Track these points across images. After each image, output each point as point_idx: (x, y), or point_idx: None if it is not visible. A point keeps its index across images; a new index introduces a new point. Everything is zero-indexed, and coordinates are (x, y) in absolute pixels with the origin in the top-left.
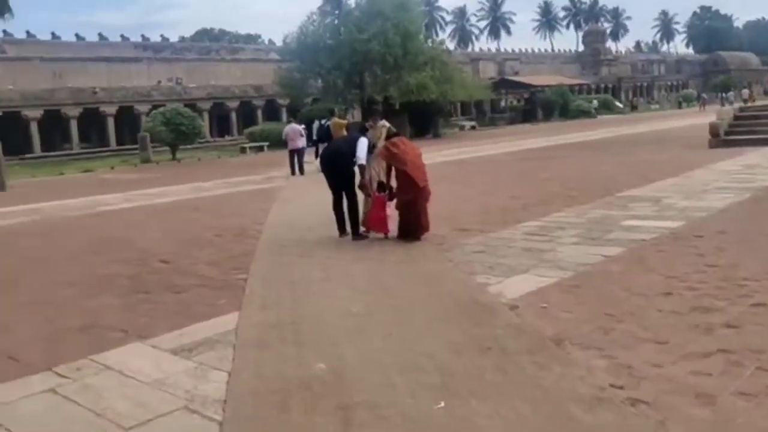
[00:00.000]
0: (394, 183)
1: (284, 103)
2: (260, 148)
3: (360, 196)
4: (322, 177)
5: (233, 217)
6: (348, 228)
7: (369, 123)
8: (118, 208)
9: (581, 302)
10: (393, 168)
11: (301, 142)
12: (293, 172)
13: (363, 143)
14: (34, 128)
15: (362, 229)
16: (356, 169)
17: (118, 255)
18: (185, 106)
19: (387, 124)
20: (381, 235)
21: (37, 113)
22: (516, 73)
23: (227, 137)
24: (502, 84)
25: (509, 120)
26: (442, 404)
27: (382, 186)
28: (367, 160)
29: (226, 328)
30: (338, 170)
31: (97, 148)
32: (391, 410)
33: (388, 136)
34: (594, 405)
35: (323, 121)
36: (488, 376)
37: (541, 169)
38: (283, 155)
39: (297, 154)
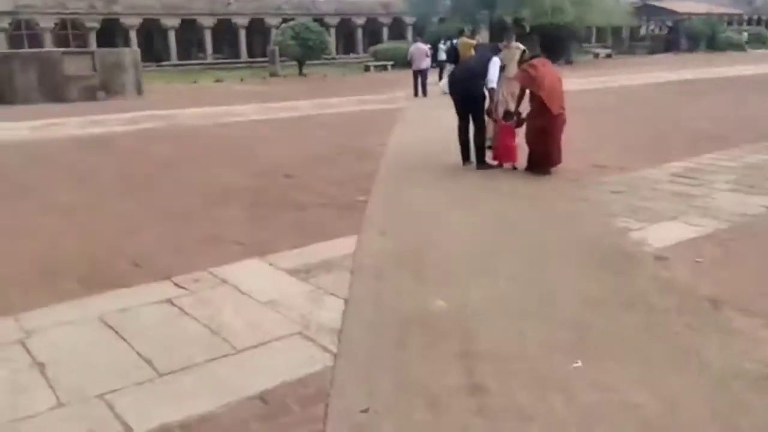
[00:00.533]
0: (523, 109)
1: (411, 22)
2: (384, 67)
3: (488, 124)
4: (445, 100)
5: (357, 136)
6: (472, 156)
7: (503, 44)
8: (246, 120)
9: (742, 260)
10: (526, 93)
11: (426, 63)
12: (416, 94)
13: (495, 64)
14: (171, 37)
15: (489, 158)
16: (486, 92)
17: (244, 167)
18: (314, 20)
19: (521, 46)
20: (508, 166)
21: (175, 22)
22: None
23: (352, 54)
24: (643, 10)
25: (650, 49)
26: (579, 363)
27: (509, 114)
28: (498, 83)
29: (344, 252)
30: (468, 92)
31: (229, 59)
32: (518, 365)
33: (522, 60)
34: (764, 386)
35: (453, 41)
36: (632, 336)
37: (688, 104)
38: (407, 75)
39: (421, 75)
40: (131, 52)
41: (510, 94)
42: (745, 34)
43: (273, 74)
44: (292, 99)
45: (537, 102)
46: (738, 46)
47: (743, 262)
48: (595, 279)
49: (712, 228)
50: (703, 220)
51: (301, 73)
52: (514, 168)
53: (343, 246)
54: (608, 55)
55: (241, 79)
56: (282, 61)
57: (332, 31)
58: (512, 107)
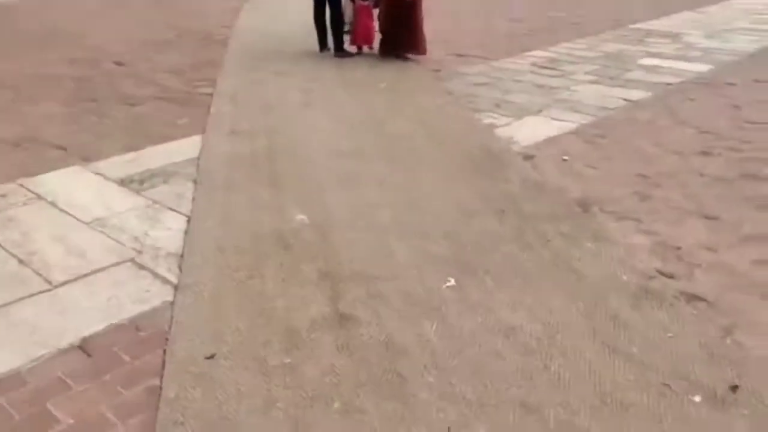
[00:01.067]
0: None
1: None
2: None
3: (346, 6)
4: None
5: (197, 16)
6: (330, 43)
7: None
8: None
9: (607, 157)
10: None
11: None
12: None
13: None
14: None
15: (347, 44)
16: None
17: (67, 52)
18: None
19: None
20: (366, 50)
21: None
22: None
23: None
24: None
25: None
26: (452, 282)
27: None
28: None
29: (186, 156)
30: None
31: None
32: (388, 285)
33: None
34: (641, 300)
35: None
36: (506, 248)
37: None
38: None
39: None
40: None
41: None
42: None
43: None
44: None
45: None
46: None
47: (608, 159)
48: (464, 184)
49: (576, 123)
50: (567, 114)
51: None
52: (370, 49)
53: (185, 149)
54: None
55: None
56: None
57: None
58: None
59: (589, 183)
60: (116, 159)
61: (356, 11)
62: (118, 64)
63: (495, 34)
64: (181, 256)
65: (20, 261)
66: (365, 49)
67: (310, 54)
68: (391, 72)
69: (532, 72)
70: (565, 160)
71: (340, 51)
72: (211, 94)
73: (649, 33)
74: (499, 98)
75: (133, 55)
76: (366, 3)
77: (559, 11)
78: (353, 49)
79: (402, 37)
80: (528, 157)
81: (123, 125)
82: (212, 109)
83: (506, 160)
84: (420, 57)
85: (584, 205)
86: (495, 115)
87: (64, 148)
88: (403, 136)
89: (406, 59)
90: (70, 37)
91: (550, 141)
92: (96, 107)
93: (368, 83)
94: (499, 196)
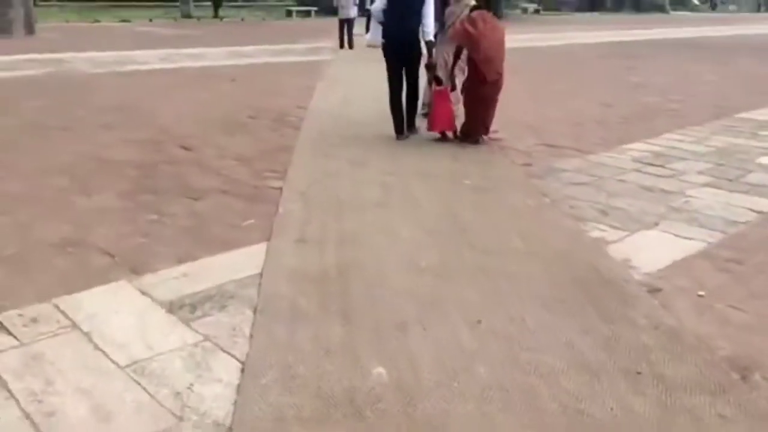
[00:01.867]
0: (459, 72)
1: None
2: (307, 13)
3: (422, 84)
4: (373, 54)
5: (273, 95)
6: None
7: None
8: (147, 69)
9: (754, 293)
10: (464, 52)
11: (354, 12)
12: (342, 45)
13: (430, 4)
14: None
15: (423, 129)
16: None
17: (134, 132)
18: None
19: (471, 3)
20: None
21: None
22: None
23: None
24: None
25: (576, 7)
26: None
27: (438, 79)
28: (439, 45)
29: (247, 272)
30: (408, 37)
31: None
32: None
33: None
34: None
35: None
36: None
37: (628, 70)
38: (331, 23)
39: (348, 24)
40: None
41: (450, 54)
42: None
43: (185, 15)
44: (203, 45)
45: (472, 65)
46: (661, 8)
47: (755, 296)
48: (578, 324)
49: (703, 241)
50: (690, 229)
51: (216, 16)
52: (455, 136)
53: (246, 262)
54: (536, 11)
55: (150, 20)
56: (196, 2)
57: None
58: (448, 68)
59: (740, 334)
60: (168, 272)
61: (433, 96)
62: (185, 148)
63: (585, 121)
64: (230, 429)
65: (34, 425)
66: (449, 134)
67: (386, 140)
68: (475, 165)
69: (636, 170)
70: (701, 296)
71: (411, 129)
72: (280, 189)
73: (761, 125)
74: (603, 203)
75: (201, 139)
76: (442, 87)
77: (651, 94)
78: (432, 134)
79: (478, 123)
80: (654, 290)
81: (181, 226)
82: (280, 208)
83: (627, 292)
84: (504, 145)
85: (741, 371)
86: (603, 227)
87: (112, 255)
88: (494, 249)
89: (483, 142)
90: (139, 115)
91: (677, 267)
92: (155, 201)
93: (451, 178)
94: (628, 348)
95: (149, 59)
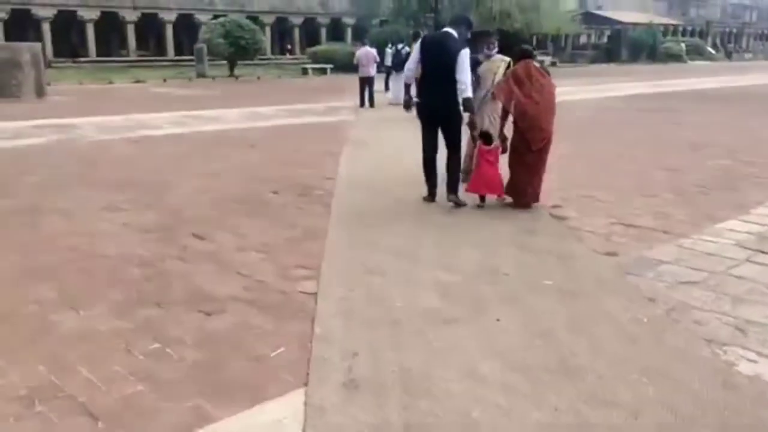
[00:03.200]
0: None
1: (350, 23)
2: (323, 71)
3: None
4: (396, 112)
5: (296, 163)
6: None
7: (482, 53)
8: (160, 134)
9: None
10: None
11: (374, 69)
12: (362, 104)
13: (465, 60)
14: (90, 30)
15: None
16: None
17: (140, 215)
18: (247, 18)
19: (506, 58)
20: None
21: (94, 14)
22: (599, 7)
23: (288, 56)
24: (585, 18)
25: (591, 58)
26: None
27: (487, 136)
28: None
29: None
30: (445, 103)
31: (155, 56)
32: None
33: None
34: None
35: (400, 47)
36: None
37: (676, 126)
38: (348, 80)
39: (368, 82)
40: (30, 48)
41: (495, 113)
42: (683, 45)
43: (200, 75)
44: (218, 106)
45: (517, 130)
46: (678, 57)
47: None
48: None
49: None
50: None
51: (231, 75)
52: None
53: (277, 425)
54: (553, 63)
55: (164, 80)
56: (211, 61)
57: (267, 29)
58: (495, 128)
59: None
60: None
61: (478, 155)
62: (198, 237)
63: (657, 191)
64: None
65: None
66: (493, 198)
67: (433, 218)
68: (549, 256)
69: (750, 261)
70: None
71: (453, 195)
72: (314, 294)
73: None
74: (733, 315)
75: (217, 223)
76: (491, 147)
77: (717, 156)
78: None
79: (532, 186)
80: None
81: (191, 361)
82: (317, 328)
83: None
84: (572, 225)
85: None
86: (750, 354)
87: (95, 418)
88: (618, 401)
89: (525, 206)
90: (147, 192)
91: None
92: (158, 318)
93: (525, 276)
94: None
95: (162, 123)
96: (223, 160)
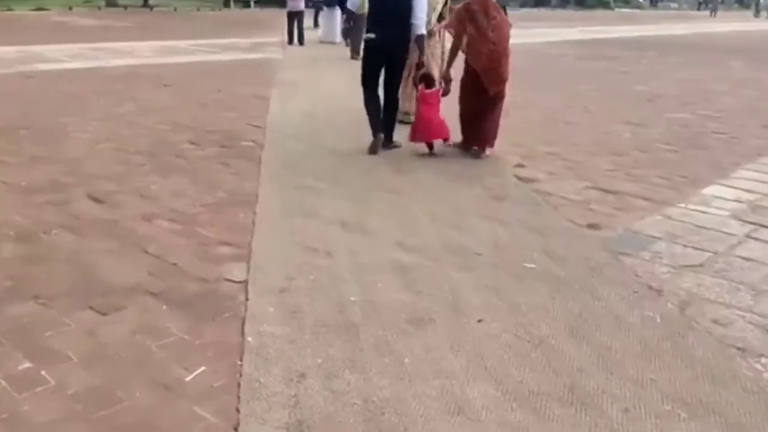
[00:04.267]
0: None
1: None
2: (246, 4)
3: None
4: (328, 51)
5: (218, 106)
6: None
7: None
8: (59, 68)
9: None
10: (459, 50)
11: (302, 4)
12: (290, 41)
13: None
14: None
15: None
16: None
17: (22, 171)
18: None
19: None
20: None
21: None
22: None
23: None
24: None
25: (521, 3)
26: None
27: (429, 78)
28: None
29: None
30: (396, 43)
31: None
32: None
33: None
34: None
35: None
36: None
37: (624, 75)
38: (273, 14)
39: (297, 18)
40: None
41: (431, 55)
42: None
43: (110, 4)
44: (128, 39)
45: (471, 73)
46: (606, 5)
47: None
48: None
49: None
50: None
51: (145, 5)
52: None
53: None
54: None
55: (70, 8)
56: None
57: None
58: (434, 71)
59: None
60: None
61: (420, 99)
62: (96, 200)
63: (625, 149)
64: None
65: None
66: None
67: (383, 175)
68: (527, 231)
69: (752, 237)
70: None
71: (389, 143)
72: (243, 284)
73: None
74: (755, 310)
75: (121, 181)
76: (432, 91)
77: (675, 109)
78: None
79: (479, 136)
80: None
81: (78, 388)
82: (249, 336)
83: None
84: (540, 188)
85: None
86: None
87: None
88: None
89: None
90: (38, 139)
91: None
92: (34, 320)
93: (503, 259)
94: None
95: (62, 56)
96: (132, 102)
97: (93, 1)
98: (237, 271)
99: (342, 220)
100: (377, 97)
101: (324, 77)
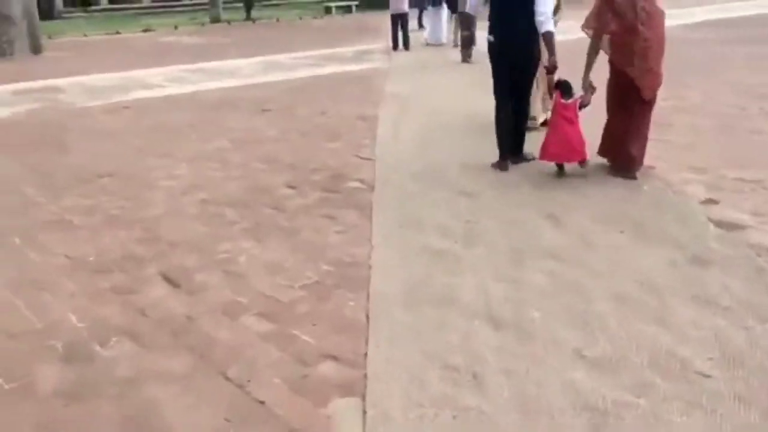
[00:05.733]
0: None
1: None
2: (348, 9)
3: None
4: (436, 55)
5: (320, 134)
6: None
7: None
8: (157, 96)
9: None
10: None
11: (406, 5)
12: (395, 46)
13: None
14: None
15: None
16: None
17: (91, 239)
18: None
19: None
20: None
21: None
22: None
23: None
24: None
25: None
26: None
27: (566, 87)
28: None
29: None
30: (523, 38)
31: (170, 2)
32: None
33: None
34: None
35: None
36: None
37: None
38: (376, 18)
39: (401, 20)
40: None
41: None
42: None
43: (214, 20)
44: (230, 56)
45: (619, 77)
46: None
47: None
48: None
49: None
50: None
51: (248, 18)
52: (582, 165)
53: None
54: None
55: (175, 27)
56: (227, 4)
57: None
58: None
59: None
60: None
61: (555, 109)
62: (172, 283)
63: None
64: None
65: None
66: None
67: (518, 208)
68: (758, 313)
69: None
70: None
71: (518, 157)
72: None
73: None
74: None
75: (207, 250)
76: (569, 101)
77: None
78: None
79: (635, 147)
80: None
81: None
82: None
83: None
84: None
85: None
86: None
87: None
88: None
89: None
90: (115, 191)
91: None
92: None
93: (750, 376)
94: None
95: (161, 80)
96: (227, 134)
97: (198, 18)
98: (347, 414)
99: (489, 312)
100: (510, 116)
101: (435, 86)
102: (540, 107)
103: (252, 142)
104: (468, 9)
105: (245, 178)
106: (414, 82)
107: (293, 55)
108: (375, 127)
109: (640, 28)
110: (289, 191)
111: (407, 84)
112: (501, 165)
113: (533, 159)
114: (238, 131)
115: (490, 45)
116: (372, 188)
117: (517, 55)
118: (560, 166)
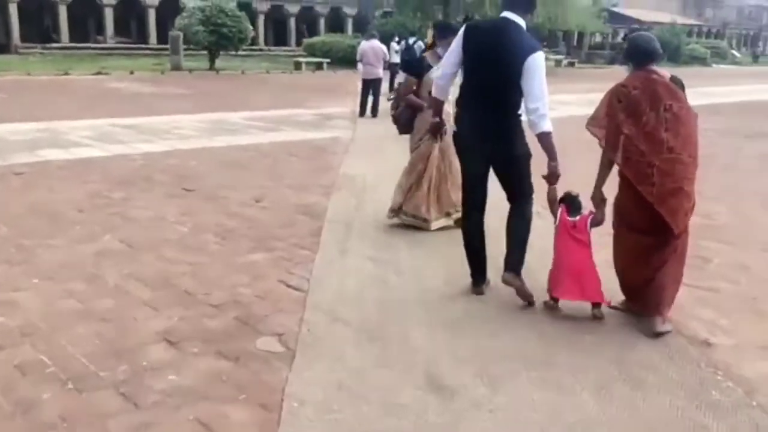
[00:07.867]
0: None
1: (351, 14)
2: (319, 65)
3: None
4: None
5: (243, 238)
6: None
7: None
8: (62, 159)
9: None
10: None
11: (380, 70)
12: (362, 112)
13: (538, 64)
14: (62, 13)
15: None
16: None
17: None
18: (238, 4)
19: None
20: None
21: None
22: (614, 5)
23: (284, 47)
24: (607, 17)
25: (609, 59)
26: None
27: (573, 201)
28: None
29: None
30: (499, 129)
31: (135, 44)
32: None
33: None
34: None
35: (411, 41)
36: None
37: None
38: (347, 77)
39: (373, 86)
40: None
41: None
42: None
43: (175, 67)
44: (176, 111)
45: (630, 193)
46: (702, 60)
47: None
48: None
49: None
50: None
51: (212, 68)
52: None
53: None
54: (571, 64)
55: (131, 72)
56: (192, 51)
57: (261, 17)
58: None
59: None
60: None
61: (559, 228)
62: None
63: None
64: None
65: None
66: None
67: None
68: None
69: None
70: None
71: (513, 274)
72: None
73: None
74: None
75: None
76: (577, 218)
77: None
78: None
79: (654, 290)
80: None
81: None
82: None
83: None
84: None
85: None
86: None
87: None
88: None
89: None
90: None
91: None
92: None
93: None
94: None
95: (81, 137)
96: (122, 226)
97: (162, 64)
98: None
99: None
100: (482, 229)
101: (400, 169)
102: (419, 200)
103: (148, 246)
104: (434, 93)
105: (106, 321)
106: (376, 162)
107: (247, 114)
108: (319, 228)
109: (664, 135)
110: (162, 355)
111: (368, 163)
112: (474, 290)
113: (531, 297)
114: (138, 224)
115: (456, 137)
116: (292, 356)
117: (497, 151)
118: (555, 300)
